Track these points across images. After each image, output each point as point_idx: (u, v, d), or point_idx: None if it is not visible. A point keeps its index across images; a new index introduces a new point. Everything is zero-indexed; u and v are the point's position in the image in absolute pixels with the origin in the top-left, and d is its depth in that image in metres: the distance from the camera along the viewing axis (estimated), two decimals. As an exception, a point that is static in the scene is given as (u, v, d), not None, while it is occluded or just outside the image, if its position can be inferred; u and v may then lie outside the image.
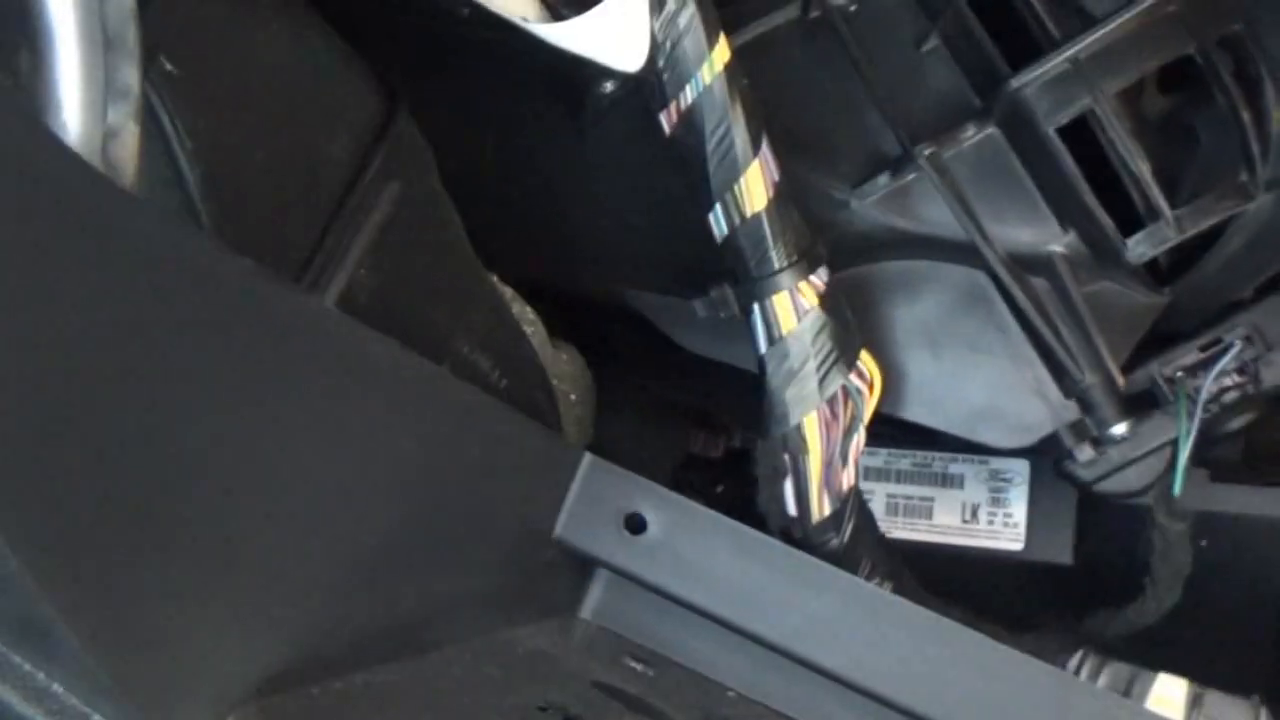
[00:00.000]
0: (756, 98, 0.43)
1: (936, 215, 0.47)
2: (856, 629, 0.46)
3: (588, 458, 0.48)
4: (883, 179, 0.47)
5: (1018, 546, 0.61)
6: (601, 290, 0.54)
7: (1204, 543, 0.47)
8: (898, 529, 0.63)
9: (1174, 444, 0.46)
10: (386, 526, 0.37)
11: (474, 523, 0.46)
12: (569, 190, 0.51)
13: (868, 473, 0.63)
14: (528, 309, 0.50)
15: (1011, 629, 0.47)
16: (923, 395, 0.49)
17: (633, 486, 0.49)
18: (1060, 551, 0.60)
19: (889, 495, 0.64)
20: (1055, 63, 0.43)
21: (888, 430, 0.56)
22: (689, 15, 0.41)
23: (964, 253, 0.47)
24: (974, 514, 0.63)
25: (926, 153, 0.46)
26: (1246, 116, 0.43)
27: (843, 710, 0.48)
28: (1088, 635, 0.48)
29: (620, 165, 0.50)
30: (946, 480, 0.64)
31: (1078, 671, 0.45)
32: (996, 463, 0.62)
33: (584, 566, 0.50)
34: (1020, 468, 0.61)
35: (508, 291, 0.50)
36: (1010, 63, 0.45)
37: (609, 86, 0.47)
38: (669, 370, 0.56)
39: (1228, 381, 0.45)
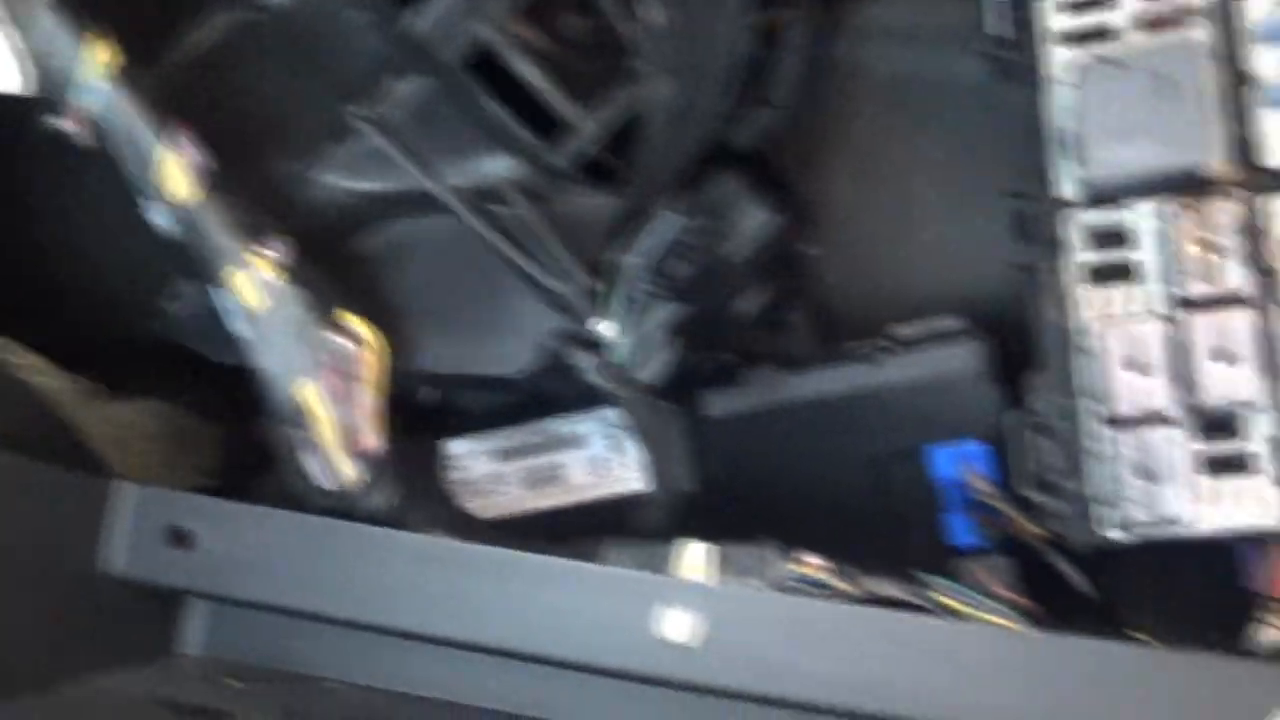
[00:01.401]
0: (159, 92, 0.44)
1: (393, 172, 0.49)
2: (408, 581, 0.46)
3: (123, 485, 0.48)
4: (329, 148, 0.49)
5: (643, 487, 0.62)
6: (135, 327, 0.54)
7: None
8: (543, 499, 0.64)
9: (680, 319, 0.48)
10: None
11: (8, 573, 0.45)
12: (62, 237, 0.52)
13: (506, 454, 0.64)
14: (40, 361, 0.50)
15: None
16: (439, 347, 0.50)
17: (171, 502, 0.49)
18: (681, 481, 0.62)
19: (527, 470, 0.65)
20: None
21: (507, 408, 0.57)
22: (52, 23, 0.42)
23: (433, 202, 0.49)
24: (603, 466, 0.64)
25: (360, 112, 0.48)
26: (618, 26, 0.45)
27: (431, 665, 0.48)
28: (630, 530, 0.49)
29: (91, 195, 0.50)
30: (572, 442, 0.65)
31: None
32: (609, 412, 0.64)
33: (167, 598, 0.50)
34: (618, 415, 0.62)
35: (9, 345, 0.50)
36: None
37: (49, 120, 0.48)
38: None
39: (684, 256, 0.47)
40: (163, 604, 0.50)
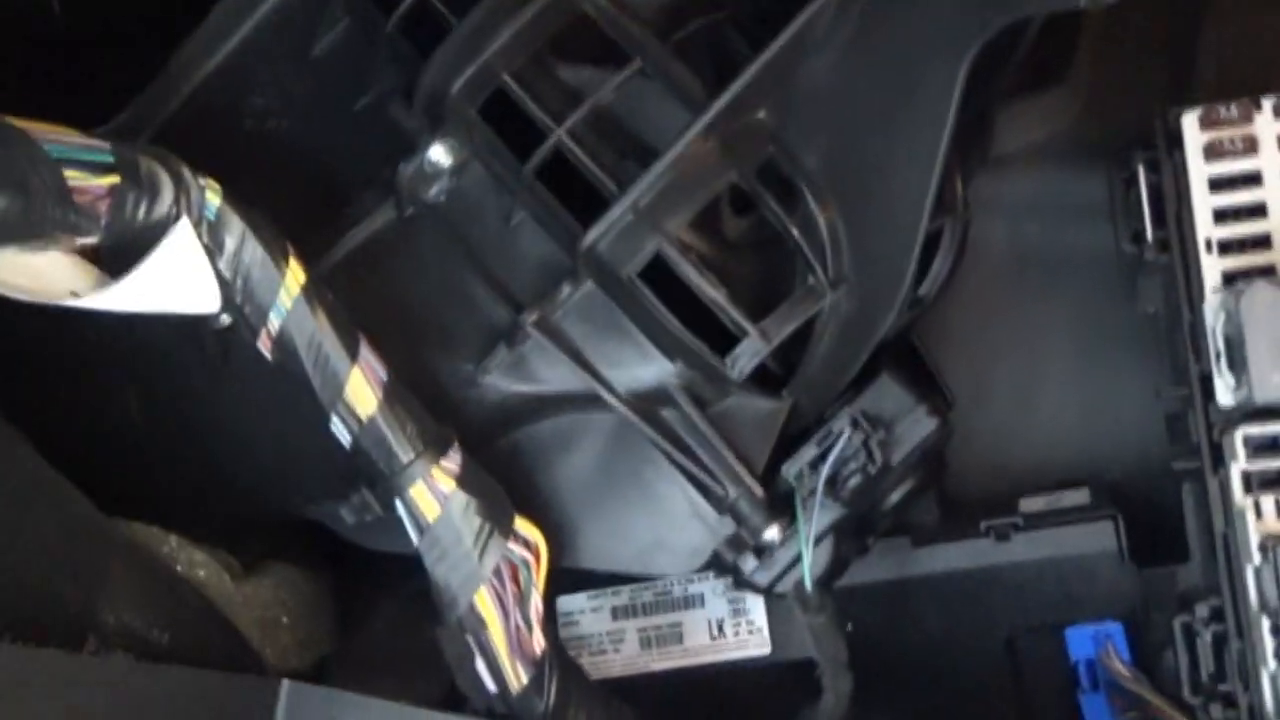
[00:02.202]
0: (342, 306, 0.45)
1: (560, 374, 0.49)
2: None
3: (285, 685, 0.48)
4: (500, 351, 0.49)
5: (765, 651, 0.62)
6: (288, 514, 0.54)
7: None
8: (654, 661, 0.64)
9: (835, 526, 0.49)
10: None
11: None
12: (219, 427, 0.52)
13: (616, 612, 0.64)
14: (195, 552, 0.51)
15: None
16: (594, 543, 0.51)
17: (334, 701, 0.49)
18: (801, 647, 0.62)
19: (639, 630, 0.65)
20: (617, 214, 0.46)
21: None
22: (252, 247, 0.43)
23: (596, 402, 0.49)
24: (720, 629, 0.64)
25: (532, 319, 0.48)
26: (795, 229, 0.46)
27: None
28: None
29: (259, 392, 0.51)
30: (689, 602, 0.65)
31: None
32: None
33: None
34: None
35: (169, 539, 0.50)
36: (586, 219, 0.47)
37: (224, 319, 0.49)
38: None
39: (852, 467, 0.47)
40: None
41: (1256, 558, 0.46)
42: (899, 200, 0.45)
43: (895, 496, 0.52)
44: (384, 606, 0.64)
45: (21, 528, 0.41)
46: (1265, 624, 0.46)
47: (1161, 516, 0.55)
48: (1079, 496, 0.59)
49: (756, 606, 0.63)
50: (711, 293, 0.46)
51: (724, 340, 0.47)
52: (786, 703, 0.59)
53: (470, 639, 0.46)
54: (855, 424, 0.46)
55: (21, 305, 0.39)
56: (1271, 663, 0.45)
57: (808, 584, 0.47)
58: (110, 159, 0.39)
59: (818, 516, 0.48)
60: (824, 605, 0.48)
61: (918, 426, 0.48)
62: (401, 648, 0.62)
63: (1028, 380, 0.62)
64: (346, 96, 0.51)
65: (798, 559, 0.49)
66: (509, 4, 0.46)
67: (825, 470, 0.46)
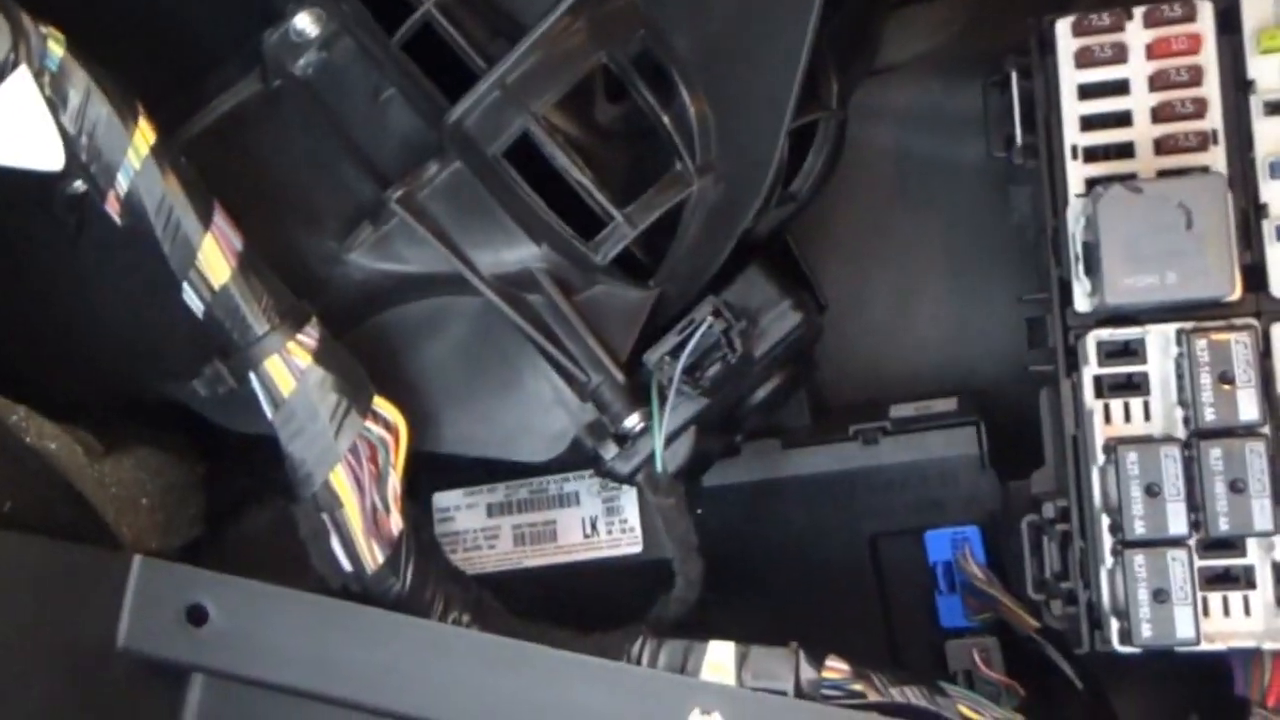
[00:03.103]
0: (197, 172, 0.43)
1: (425, 254, 0.48)
2: (428, 670, 0.46)
3: (138, 560, 0.48)
4: (365, 229, 0.49)
5: (636, 550, 0.63)
6: (146, 391, 0.53)
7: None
8: (528, 557, 0.64)
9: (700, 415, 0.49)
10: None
11: (18, 652, 0.44)
12: (74, 299, 0.51)
13: (492, 509, 0.64)
14: (46, 425, 0.49)
15: (587, 629, 0.49)
16: (457, 428, 0.50)
17: (189, 578, 0.48)
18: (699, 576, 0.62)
19: (514, 526, 0.65)
20: (484, 90, 0.45)
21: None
22: (98, 102, 0.41)
23: (462, 284, 0.49)
24: (593, 527, 0.65)
25: (396, 195, 0.47)
26: (666, 115, 0.46)
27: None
28: (654, 621, 0.50)
29: (114, 262, 0.49)
30: (564, 500, 0.65)
31: (638, 659, 0.46)
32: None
33: (172, 675, 0.49)
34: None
35: (17, 409, 0.48)
36: (454, 97, 0.46)
37: (77, 186, 0.47)
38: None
39: (713, 357, 0.47)
40: (171, 681, 0.49)
41: (1101, 459, 0.47)
42: (764, 91, 0.45)
43: (761, 393, 0.53)
44: (259, 503, 0.64)
45: None
46: (1105, 522, 0.47)
47: (1024, 426, 0.56)
48: (947, 404, 0.60)
49: (630, 505, 0.64)
50: (578, 175, 0.45)
51: (591, 226, 0.47)
52: (655, 599, 0.60)
53: (325, 517, 0.46)
54: (717, 313, 0.46)
55: None
56: (1109, 559, 0.47)
57: (658, 466, 0.47)
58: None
59: (679, 406, 0.48)
60: (673, 489, 0.48)
61: (782, 321, 0.49)
62: (274, 544, 0.62)
63: (903, 288, 0.63)
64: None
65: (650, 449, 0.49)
66: None
67: (684, 357, 0.46)
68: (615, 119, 0.50)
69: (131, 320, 0.50)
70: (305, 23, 0.47)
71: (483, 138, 0.46)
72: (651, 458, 0.50)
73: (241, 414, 0.49)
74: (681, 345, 0.46)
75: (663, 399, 0.46)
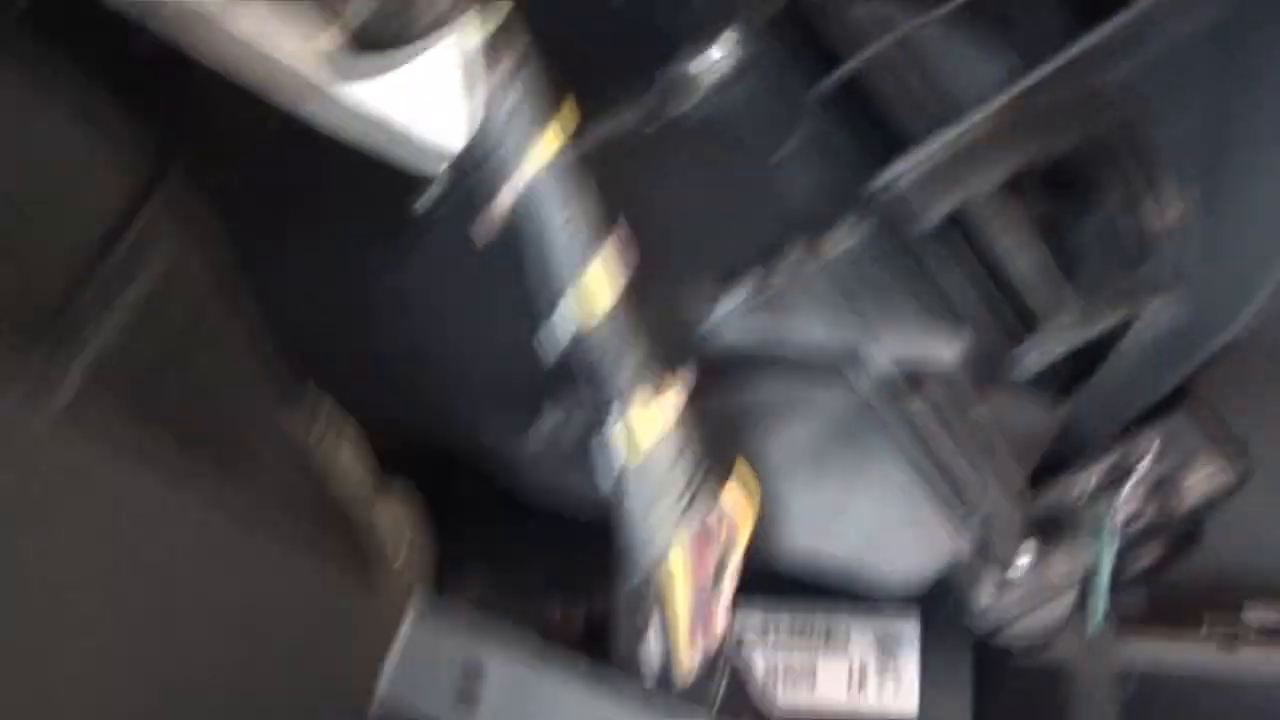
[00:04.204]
0: (590, 194, 0.38)
1: (805, 328, 0.42)
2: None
3: (414, 610, 0.41)
4: (745, 290, 0.42)
5: (910, 714, 0.54)
6: (434, 432, 0.47)
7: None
8: (785, 699, 0.56)
9: (1087, 579, 0.41)
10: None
11: (265, 693, 0.38)
12: (393, 315, 0.45)
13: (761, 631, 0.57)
14: (352, 455, 0.43)
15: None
16: (798, 535, 0.43)
17: (469, 640, 0.41)
18: (957, 716, 0.54)
19: (765, 659, 0.57)
20: (932, 150, 0.39)
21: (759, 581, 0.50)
22: (519, 86, 0.36)
23: (836, 373, 0.42)
24: (862, 678, 0.56)
25: (794, 257, 0.41)
26: (1122, 218, 0.39)
27: None
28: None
29: (449, 283, 0.44)
30: (831, 639, 0.57)
31: None
32: (885, 618, 0.56)
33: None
34: (911, 622, 0.55)
35: (344, 434, 0.43)
36: (875, 164, 0.40)
37: (429, 197, 0.42)
38: (516, 526, 0.49)
39: (1137, 505, 0.40)
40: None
41: None
42: (1276, 199, 0.38)
43: (1142, 562, 0.44)
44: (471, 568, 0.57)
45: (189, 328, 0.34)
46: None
47: None
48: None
49: (909, 659, 0.55)
50: (1027, 264, 0.39)
51: (1007, 329, 0.40)
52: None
53: (652, 600, 0.39)
54: (1162, 453, 0.38)
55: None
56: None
57: (1097, 620, 0.39)
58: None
59: (1077, 554, 0.40)
60: (1109, 657, 0.40)
61: (1213, 479, 0.41)
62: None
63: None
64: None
65: (1036, 604, 0.41)
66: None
67: (1124, 494, 0.38)
68: (1042, 216, 0.43)
69: (454, 353, 0.44)
70: (718, 53, 0.42)
71: (919, 205, 0.39)
72: (1025, 615, 0.42)
73: (559, 471, 0.43)
74: (1116, 482, 0.38)
75: (1096, 541, 0.38)
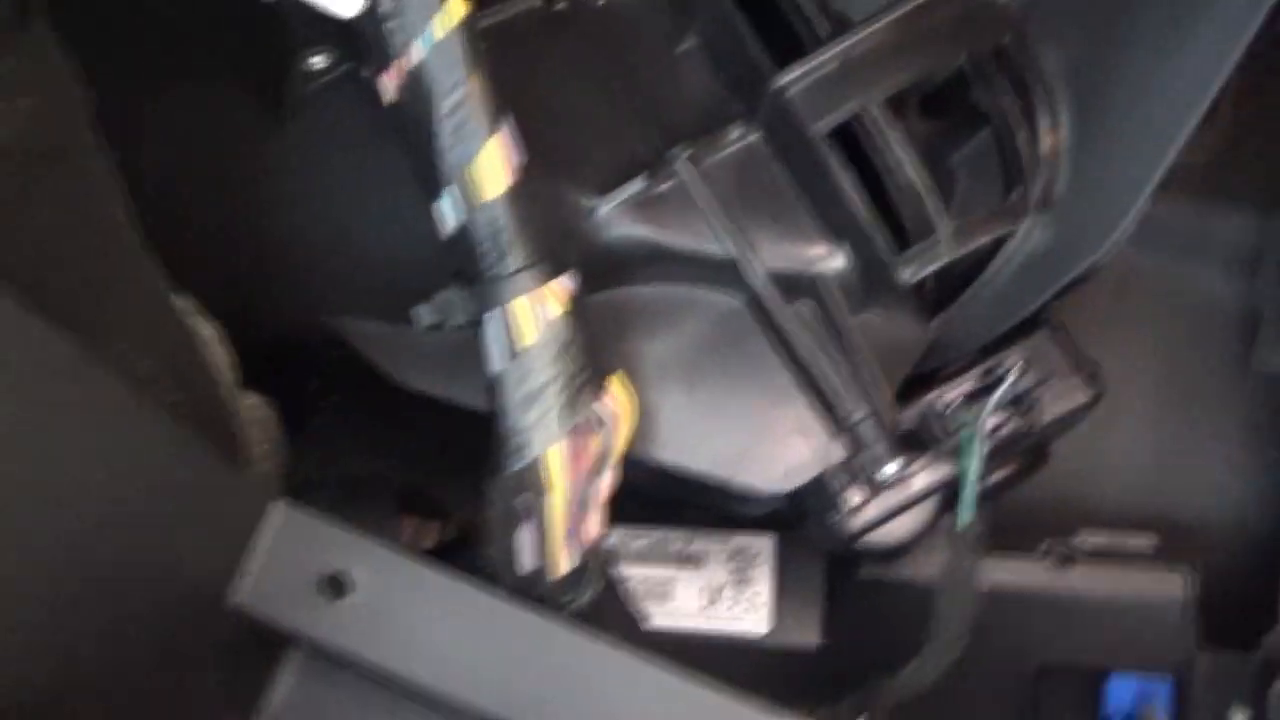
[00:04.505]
0: (487, 71, 0.37)
1: (691, 228, 0.42)
2: (615, 705, 0.38)
3: (280, 506, 0.39)
4: (635, 184, 0.42)
5: (762, 629, 0.56)
6: (304, 322, 0.45)
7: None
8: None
9: (955, 482, 0.42)
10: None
11: (124, 581, 0.36)
12: (264, 196, 0.43)
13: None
14: (207, 324, 0.41)
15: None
16: (676, 436, 0.43)
17: (333, 540, 0.40)
18: (807, 632, 0.55)
19: (636, 580, 0.58)
20: (823, 59, 0.40)
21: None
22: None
23: (720, 274, 0.42)
24: (716, 596, 0.57)
25: (686, 154, 0.41)
26: (1019, 134, 0.40)
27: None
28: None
29: (328, 163, 0.42)
30: (686, 559, 0.58)
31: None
32: (740, 539, 0.57)
33: (270, 644, 0.40)
34: (766, 544, 0.56)
35: (185, 300, 0.41)
36: (773, 65, 0.41)
37: (315, 62, 0.40)
38: (379, 429, 0.48)
39: (1001, 418, 0.41)
40: (266, 644, 0.40)
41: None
42: (1146, 130, 0.39)
43: (995, 478, 0.46)
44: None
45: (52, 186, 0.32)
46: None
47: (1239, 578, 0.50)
48: (1144, 541, 0.54)
49: (763, 579, 0.57)
50: (911, 175, 0.39)
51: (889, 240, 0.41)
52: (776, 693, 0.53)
53: (526, 498, 0.38)
54: (1025, 368, 0.40)
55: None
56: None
57: (965, 519, 0.40)
58: None
59: (936, 466, 0.42)
60: (978, 549, 0.41)
61: (1070, 396, 0.43)
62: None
63: (1118, 405, 0.57)
64: None
65: (898, 508, 0.43)
66: None
67: (990, 406, 0.39)
68: (922, 137, 0.44)
69: (331, 237, 0.43)
70: (619, -56, 0.41)
71: (809, 112, 0.40)
72: (884, 520, 0.43)
73: (426, 371, 0.42)
74: (984, 392, 0.40)
75: (966, 447, 0.39)
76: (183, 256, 0.43)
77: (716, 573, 0.57)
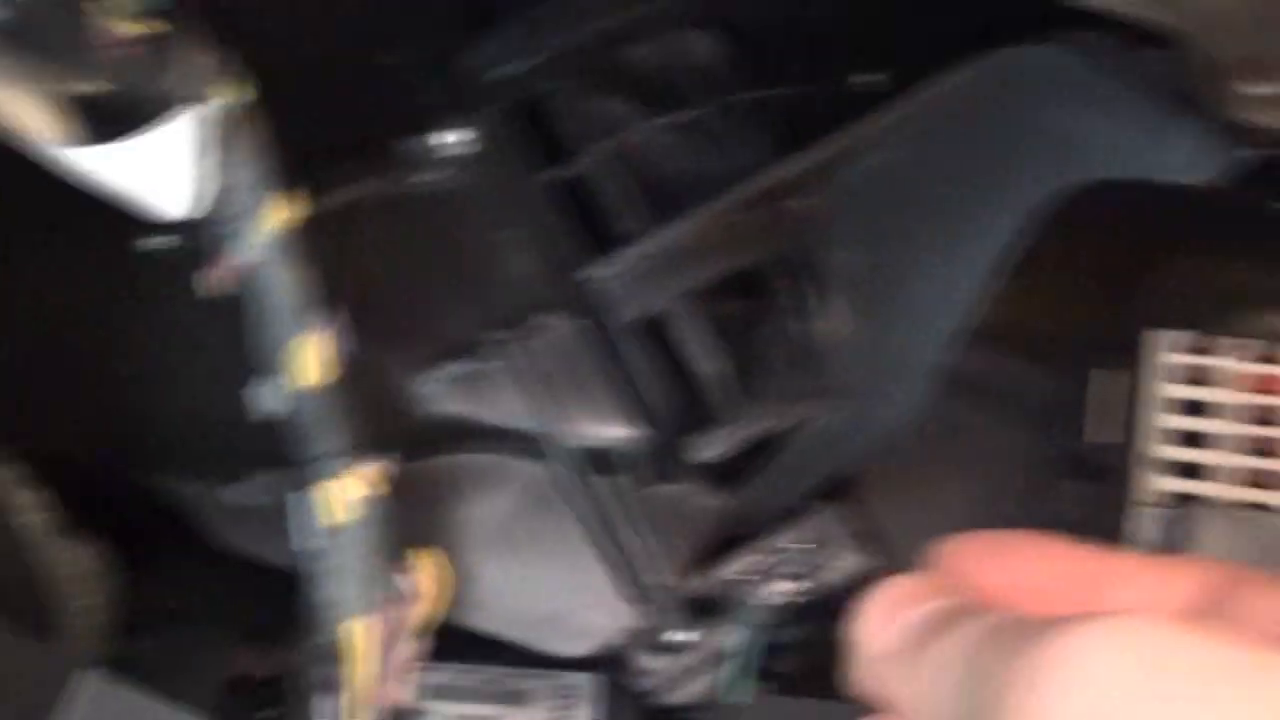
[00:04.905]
0: (311, 269, 0.39)
1: (506, 406, 0.45)
2: None
3: (90, 676, 0.40)
4: (455, 365, 0.45)
5: (585, 766, 0.57)
6: (137, 478, 0.47)
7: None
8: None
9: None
10: None
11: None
12: (109, 354, 0.45)
13: (436, 691, 0.58)
14: (29, 495, 0.42)
15: None
16: (489, 601, 0.46)
17: (146, 714, 0.41)
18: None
19: (459, 716, 0.59)
20: (634, 255, 0.43)
21: (459, 644, 0.52)
22: (255, 161, 0.37)
23: (532, 448, 0.45)
24: (536, 730, 0.59)
25: (506, 339, 0.44)
26: (796, 328, 0.44)
27: None
28: None
29: (167, 332, 0.44)
30: (513, 697, 0.59)
31: None
32: (565, 678, 0.59)
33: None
34: (585, 682, 0.58)
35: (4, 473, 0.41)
36: (588, 256, 0.44)
37: (156, 242, 0.42)
38: (208, 575, 0.49)
39: (787, 587, 0.44)
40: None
41: None
42: (925, 324, 0.43)
43: (792, 633, 0.49)
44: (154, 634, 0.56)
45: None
46: None
47: None
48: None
49: (583, 717, 0.59)
50: (708, 366, 0.43)
51: (686, 422, 0.44)
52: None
53: (319, 668, 0.40)
54: (810, 541, 0.43)
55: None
56: None
57: (725, 693, 0.43)
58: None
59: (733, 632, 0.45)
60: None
61: (856, 565, 0.46)
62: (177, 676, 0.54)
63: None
64: (369, 47, 0.46)
65: (695, 670, 0.45)
66: (590, 8, 0.43)
67: (771, 575, 0.42)
68: (733, 316, 0.47)
69: (165, 402, 0.44)
70: (455, 138, 0.44)
71: (619, 302, 0.43)
72: (684, 679, 0.45)
73: (245, 533, 0.43)
74: (765, 571, 0.43)
75: (740, 618, 0.42)
76: (22, 411, 0.44)
77: (538, 711, 0.59)
